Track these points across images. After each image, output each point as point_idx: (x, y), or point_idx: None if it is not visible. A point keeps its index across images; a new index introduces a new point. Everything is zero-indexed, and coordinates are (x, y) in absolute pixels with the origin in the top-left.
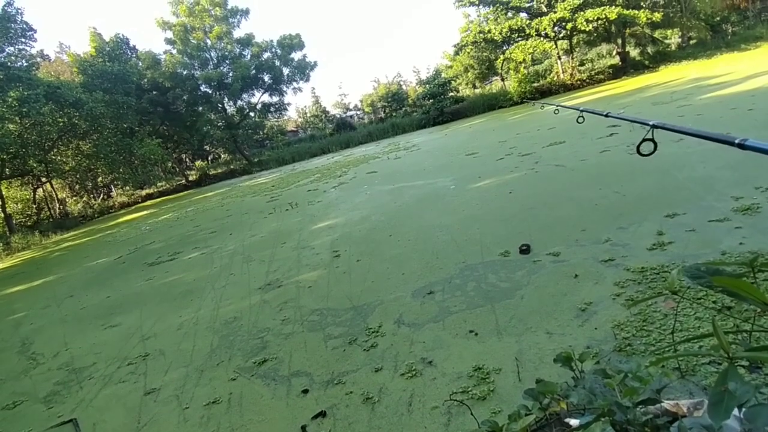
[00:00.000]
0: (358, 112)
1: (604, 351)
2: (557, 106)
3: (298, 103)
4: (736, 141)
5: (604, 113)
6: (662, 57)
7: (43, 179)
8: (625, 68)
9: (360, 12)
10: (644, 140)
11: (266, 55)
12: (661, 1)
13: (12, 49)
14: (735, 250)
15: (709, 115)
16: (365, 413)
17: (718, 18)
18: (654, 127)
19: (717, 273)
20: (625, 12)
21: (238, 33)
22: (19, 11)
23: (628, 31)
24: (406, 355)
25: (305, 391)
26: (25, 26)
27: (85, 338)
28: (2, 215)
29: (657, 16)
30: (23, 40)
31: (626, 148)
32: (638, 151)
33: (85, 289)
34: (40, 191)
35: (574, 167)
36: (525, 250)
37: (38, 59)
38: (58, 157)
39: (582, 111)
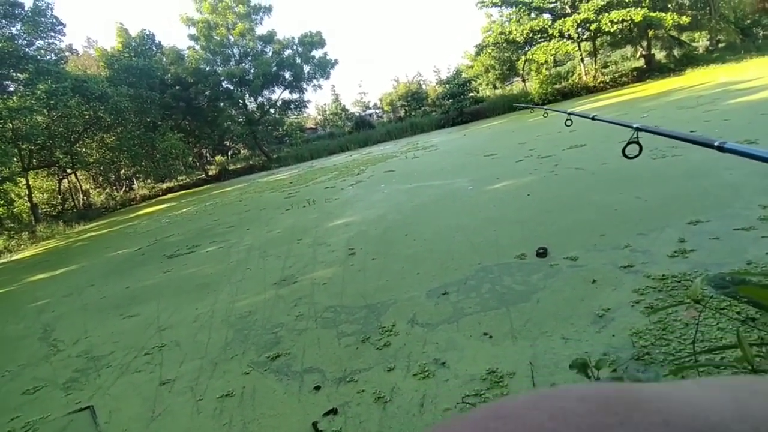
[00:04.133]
0: (377, 111)
1: (622, 359)
2: (546, 110)
3: (317, 100)
4: (716, 143)
5: (591, 116)
6: (689, 60)
7: (69, 170)
8: (650, 71)
9: (382, 10)
10: (629, 143)
11: (287, 52)
12: (687, 3)
13: (42, 42)
14: (761, 260)
15: (736, 121)
16: (377, 412)
17: (748, 21)
18: (638, 129)
19: (742, 283)
20: (651, 14)
21: (260, 30)
22: (49, 6)
23: (653, 33)
24: (418, 356)
25: (317, 388)
26: (54, 21)
27: (104, 327)
28: (29, 205)
29: (684, 19)
30: (52, 34)
31: (649, 152)
32: (624, 154)
33: (105, 279)
34: (65, 182)
35: (595, 171)
36: (542, 253)
37: (66, 53)
38: (83, 149)
39: (569, 113)
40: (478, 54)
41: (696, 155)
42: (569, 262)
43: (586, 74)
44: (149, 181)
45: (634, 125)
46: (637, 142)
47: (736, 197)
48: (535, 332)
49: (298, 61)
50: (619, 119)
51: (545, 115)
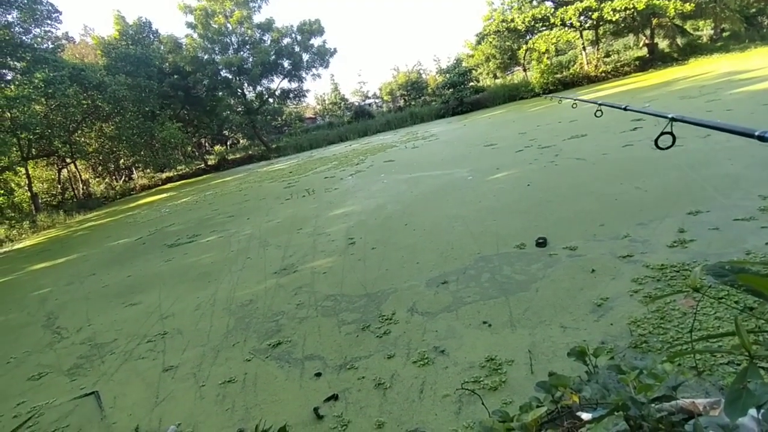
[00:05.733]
0: (377, 101)
1: (620, 347)
2: (575, 99)
3: (317, 90)
4: (756, 133)
5: (623, 106)
6: (692, 49)
7: (68, 160)
8: (653, 60)
9: None
10: (663, 133)
11: (286, 40)
12: None
13: (38, 30)
14: (761, 250)
15: (739, 111)
16: (377, 398)
17: (753, 10)
18: (673, 120)
19: (742, 272)
20: (654, 2)
21: (258, 18)
22: None
23: (656, 21)
24: (418, 343)
25: (318, 375)
26: (50, 8)
27: (107, 315)
28: (29, 194)
29: (688, 7)
30: (49, 22)
31: (650, 142)
32: (656, 145)
33: (107, 268)
34: (64, 172)
35: (595, 161)
36: (541, 243)
37: (63, 41)
38: (82, 139)
39: (600, 105)
40: (478, 43)
41: (697, 145)
42: (568, 252)
43: (587, 63)
44: (148, 170)
45: (669, 115)
46: (671, 133)
47: (736, 188)
48: (533, 321)
49: (297, 49)
50: (654, 110)
51: (574, 105)
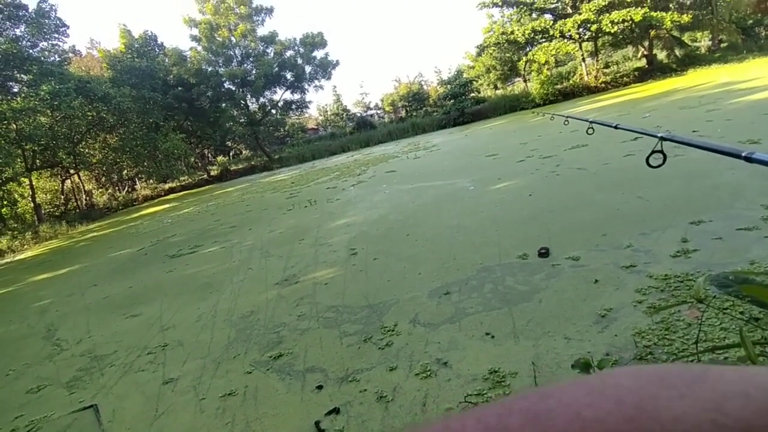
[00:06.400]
0: (379, 111)
1: (624, 359)
2: (566, 117)
3: (319, 101)
4: (743, 154)
5: (614, 125)
6: (691, 60)
7: (72, 171)
8: (652, 71)
9: (383, 11)
10: (653, 152)
11: (289, 53)
12: (688, 2)
13: (45, 44)
14: (765, 260)
15: (739, 121)
16: (379, 411)
17: (750, 21)
18: (662, 139)
19: (746, 282)
20: (651, 14)
21: (262, 31)
22: (53, 7)
23: (654, 33)
24: (420, 355)
25: (319, 387)
26: (58, 22)
27: (108, 326)
28: (32, 205)
29: (685, 18)
30: (56, 35)
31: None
32: (648, 163)
33: (108, 279)
34: (68, 183)
35: (597, 171)
36: (544, 253)
37: (70, 54)
38: (86, 150)
39: (591, 122)
40: (479, 54)
41: (698, 154)
42: (571, 262)
43: (587, 74)
44: (151, 181)
45: (659, 135)
46: (662, 152)
47: (738, 197)
48: (537, 332)
49: (300, 61)
50: (643, 129)
51: (566, 122)
